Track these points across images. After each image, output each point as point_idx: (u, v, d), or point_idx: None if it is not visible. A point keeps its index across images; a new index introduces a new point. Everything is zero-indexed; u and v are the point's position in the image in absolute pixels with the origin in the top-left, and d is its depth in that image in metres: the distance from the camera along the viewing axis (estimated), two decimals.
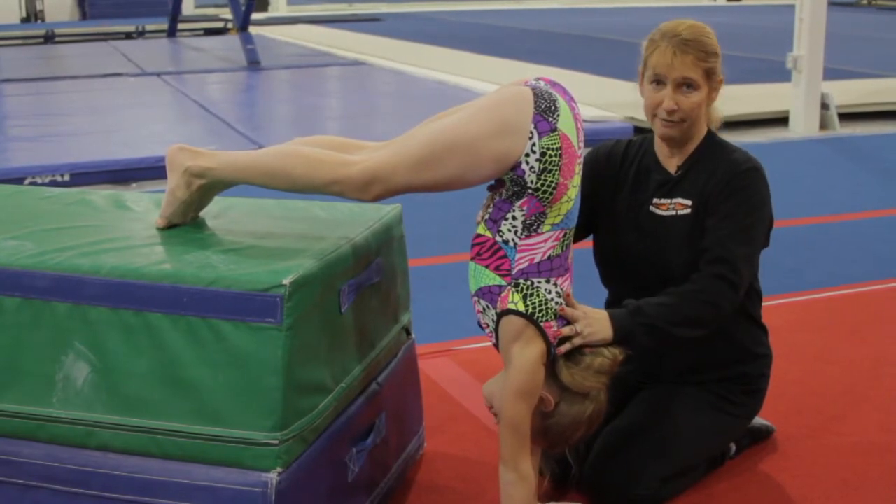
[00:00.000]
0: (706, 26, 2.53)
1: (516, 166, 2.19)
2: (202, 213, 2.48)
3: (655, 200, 2.61)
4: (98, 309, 2.12)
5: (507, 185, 2.24)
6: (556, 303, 2.27)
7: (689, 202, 2.57)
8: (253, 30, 13.29)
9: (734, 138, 7.46)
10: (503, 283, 2.26)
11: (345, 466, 2.32)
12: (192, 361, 2.07)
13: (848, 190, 6.18)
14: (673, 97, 2.49)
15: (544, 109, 2.20)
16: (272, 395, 2.04)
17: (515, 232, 2.24)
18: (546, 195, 2.21)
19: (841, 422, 3.00)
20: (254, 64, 11.47)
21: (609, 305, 2.74)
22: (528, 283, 2.25)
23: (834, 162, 7.02)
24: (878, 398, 3.15)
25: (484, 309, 2.31)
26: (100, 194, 2.76)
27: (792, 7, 7.90)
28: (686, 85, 2.49)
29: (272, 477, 2.05)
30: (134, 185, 6.33)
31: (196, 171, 2.33)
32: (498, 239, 2.26)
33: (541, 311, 2.25)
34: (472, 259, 2.31)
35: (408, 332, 2.78)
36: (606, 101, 8.18)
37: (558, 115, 2.20)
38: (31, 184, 6.00)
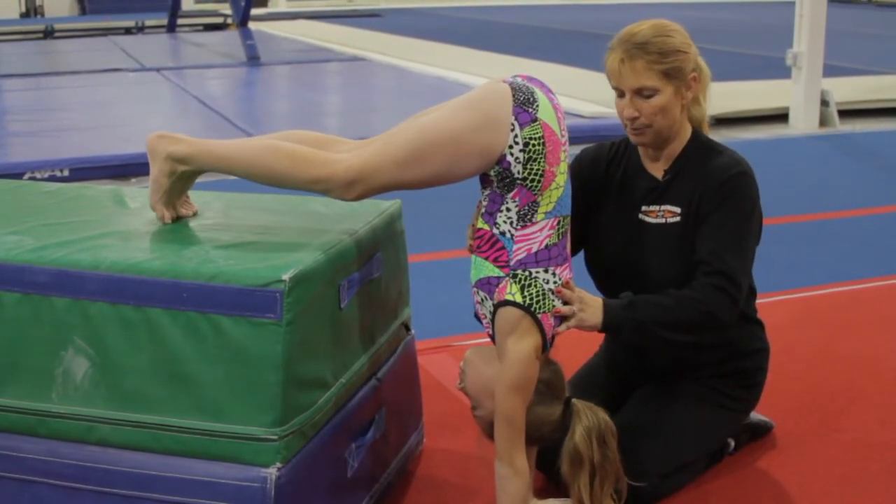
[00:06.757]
0: (670, 24, 2.46)
1: (501, 159, 2.21)
2: (201, 209, 2.48)
3: (644, 208, 2.58)
4: (97, 304, 2.12)
5: (495, 181, 2.25)
6: (555, 293, 2.28)
7: (677, 209, 2.54)
8: (252, 25, 13.28)
9: (734, 135, 7.52)
10: (501, 274, 2.27)
11: (344, 462, 2.32)
12: (192, 357, 2.07)
13: (848, 187, 6.18)
14: (632, 104, 2.45)
15: (523, 101, 2.22)
16: (272, 390, 2.04)
17: (511, 223, 2.26)
18: (534, 184, 2.22)
19: (841, 418, 3.00)
20: (253, 59, 11.47)
21: None
22: (526, 273, 2.26)
23: (834, 159, 7.02)
24: (879, 395, 3.15)
25: (482, 300, 2.32)
26: (99, 189, 2.75)
27: (792, 4, 7.89)
28: (643, 90, 2.43)
29: (272, 472, 2.05)
30: (133, 180, 6.31)
31: (178, 156, 2.32)
32: (495, 231, 2.27)
33: (538, 302, 2.25)
34: (473, 252, 2.33)
35: (407, 328, 2.78)
36: (606, 98, 8.12)
37: (537, 106, 2.23)
38: (31, 179, 6.00)
